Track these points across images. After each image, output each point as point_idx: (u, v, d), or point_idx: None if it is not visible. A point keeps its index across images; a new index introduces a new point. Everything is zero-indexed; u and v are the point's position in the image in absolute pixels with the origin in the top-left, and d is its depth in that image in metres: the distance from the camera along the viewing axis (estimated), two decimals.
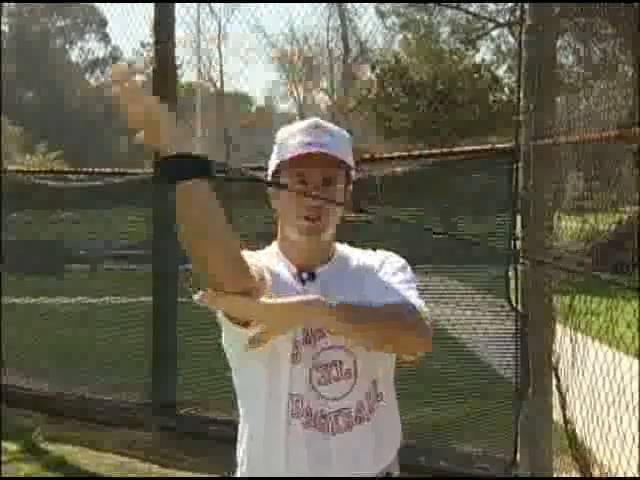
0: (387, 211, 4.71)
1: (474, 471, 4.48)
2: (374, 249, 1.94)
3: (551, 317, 3.99)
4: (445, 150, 4.92)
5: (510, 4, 17.36)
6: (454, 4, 16.23)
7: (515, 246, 4.15)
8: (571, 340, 3.79)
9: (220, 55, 25.86)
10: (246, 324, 1.65)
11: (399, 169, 4.91)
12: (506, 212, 4.30)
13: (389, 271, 1.84)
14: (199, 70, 23.51)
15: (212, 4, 13.26)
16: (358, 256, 1.91)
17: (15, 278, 6.31)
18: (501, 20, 20.45)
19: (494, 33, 22.34)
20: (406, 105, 18.47)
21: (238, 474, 1.91)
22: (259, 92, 73.82)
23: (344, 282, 1.82)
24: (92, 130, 34.81)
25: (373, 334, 1.69)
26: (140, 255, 6.14)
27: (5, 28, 36.76)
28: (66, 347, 6.16)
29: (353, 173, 1.90)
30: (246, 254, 1.68)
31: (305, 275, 1.84)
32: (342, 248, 1.93)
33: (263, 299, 1.61)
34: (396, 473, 1.90)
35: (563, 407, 3.94)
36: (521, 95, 4.11)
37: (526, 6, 4.07)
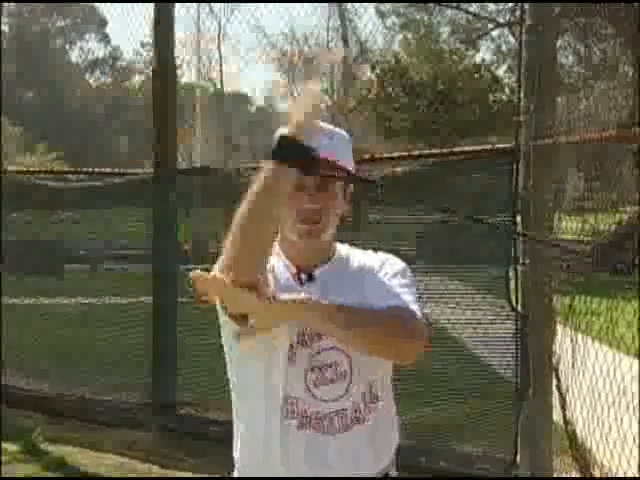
0: (387, 211, 4.71)
1: (474, 471, 4.48)
2: (375, 250, 1.94)
3: (551, 317, 3.99)
4: (445, 150, 4.92)
5: (510, 4, 17.38)
6: (454, 4, 16.25)
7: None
8: (571, 340, 3.79)
9: (220, 55, 25.83)
10: (243, 317, 1.65)
11: (399, 169, 4.91)
12: (506, 212, 4.30)
13: (389, 272, 1.84)
14: (199, 70, 23.53)
15: (212, 4, 13.26)
16: (358, 257, 1.91)
17: (15, 278, 6.31)
18: (501, 20, 20.47)
19: (494, 33, 22.38)
20: (406, 105, 18.49)
21: (235, 474, 1.91)
22: (259, 92, 73.89)
23: (344, 282, 1.82)
24: (92, 130, 34.83)
25: (372, 338, 1.69)
26: (140, 255, 6.13)
27: (5, 28, 36.78)
28: (66, 347, 6.16)
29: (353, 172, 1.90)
30: None
31: (304, 275, 1.84)
32: (342, 248, 1.92)
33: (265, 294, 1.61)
34: (394, 473, 1.91)
35: (563, 407, 3.94)
36: (521, 95, 4.11)
37: (526, 6, 4.08)
